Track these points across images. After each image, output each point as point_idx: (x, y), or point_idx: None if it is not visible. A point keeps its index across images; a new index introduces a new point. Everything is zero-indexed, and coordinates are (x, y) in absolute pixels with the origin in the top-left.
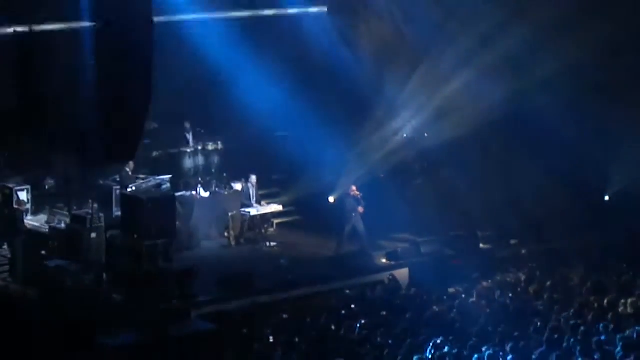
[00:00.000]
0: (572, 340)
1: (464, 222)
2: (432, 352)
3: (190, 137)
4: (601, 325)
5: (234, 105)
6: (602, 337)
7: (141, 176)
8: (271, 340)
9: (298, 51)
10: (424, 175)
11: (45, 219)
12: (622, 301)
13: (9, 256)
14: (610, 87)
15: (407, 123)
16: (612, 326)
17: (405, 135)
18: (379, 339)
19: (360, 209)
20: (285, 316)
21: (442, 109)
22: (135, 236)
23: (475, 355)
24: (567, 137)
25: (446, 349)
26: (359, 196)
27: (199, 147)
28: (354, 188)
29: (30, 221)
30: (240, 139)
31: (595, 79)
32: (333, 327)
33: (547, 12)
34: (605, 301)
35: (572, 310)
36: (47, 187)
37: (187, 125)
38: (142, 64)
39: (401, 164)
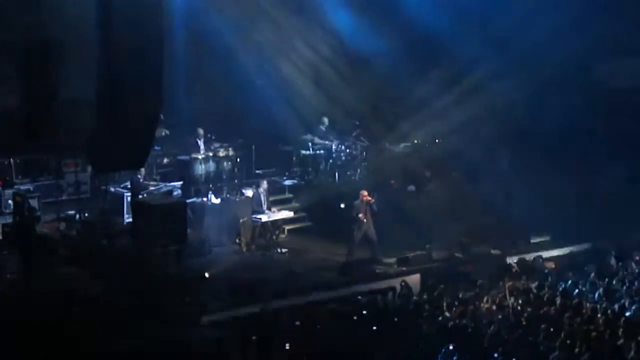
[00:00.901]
0: (584, 346)
1: (474, 227)
2: (445, 358)
3: (201, 143)
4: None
5: (246, 112)
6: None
7: (152, 183)
8: (286, 349)
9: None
10: (434, 180)
11: (56, 227)
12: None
13: (20, 263)
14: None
15: (418, 128)
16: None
17: (416, 141)
18: (390, 345)
19: (370, 214)
20: (297, 323)
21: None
22: (146, 243)
23: None
24: (579, 144)
25: (457, 355)
26: (371, 201)
27: (210, 154)
28: (365, 193)
29: (41, 228)
30: (251, 145)
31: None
32: (344, 334)
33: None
34: (617, 307)
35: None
36: (58, 194)
37: (200, 131)
38: (153, 69)
39: (412, 169)
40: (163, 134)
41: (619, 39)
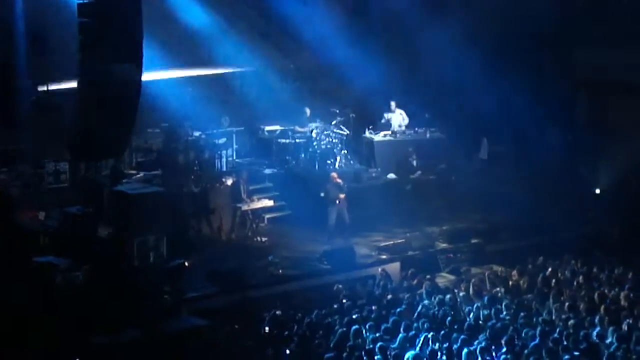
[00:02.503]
0: (565, 332)
1: (455, 216)
2: (424, 346)
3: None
4: (596, 317)
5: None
6: (596, 330)
7: (132, 172)
8: (265, 333)
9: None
10: (418, 169)
11: (36, 216)
12: (614, 294)
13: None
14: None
15: (400, 116)
16: (606, 318)
17: (396, 129)
18: (370, 334)
19: (342, 196)
20: (278, 312)
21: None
22: (126, 232)
23: (467, 349)
24: (559, 131)
25: (437, 343)
26: (341, 183)
27: (190, 143)
28: (334, 175)
29: (20, 218)
30: (232, 133)
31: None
32: (324, 322)
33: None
34: (596, 294)
35: (566, 304)
36: (37, 184)
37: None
38: (133, 57)
39: (400, 158)
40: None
41: None
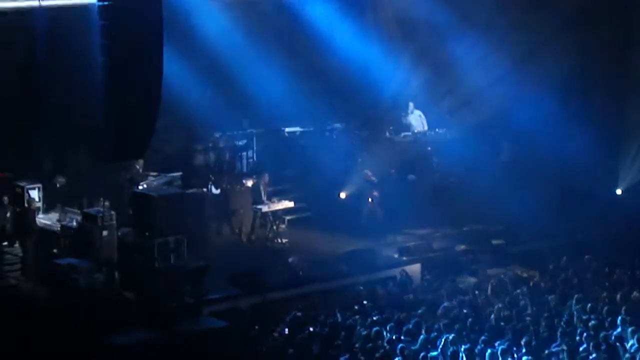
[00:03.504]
0: (585, 334)
1: (475, 217)
2: (445, 348)
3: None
4: (618, 318)
5: (246, 100)
6: (617, 331)
7: (152, 173)
8: (285, 334)
9: (308, 43)
10: (436, 170)
11: (57, 218)
12: (635, 295)
13: (21, 255)
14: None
15: (419, 117)
16: (628, 318)
17: (417, 131)
18: (391, 335)
19: (375, 194)
20: (298, 314)
21: (455, 104)
22: (147, 234)
23: (489, 350)
24: (577, 131)
25: (459, 344)
26: (375, 181)
27: (210, 144)
28: (369, 173)
29: (41, 219)
30: (252, 134)
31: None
32: (345, 324)
33: (555, 12)
34: (618, 296)
35: (587, 305)
36: (58, 185)
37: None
38: (153, 59)
39: (412, 159)
40: (163, 124)
41: None
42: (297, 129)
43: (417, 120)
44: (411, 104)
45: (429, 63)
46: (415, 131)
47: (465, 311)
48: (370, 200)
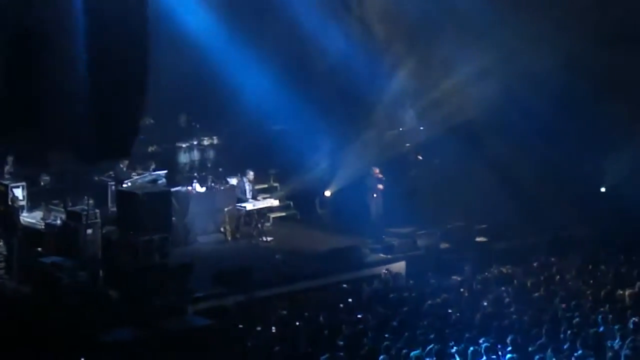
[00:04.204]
0: (569, 332)
1: (460, 214)
2: (429, 346)
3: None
4: (599, 317)
5: (229, 99)
6: (600, 329)
7: (137, 171)
8: (270, 332)
9: (293, 41)
10: (419, 167)
11: (41, 216)
12: (620, 292)
13: (5, 253)
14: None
15: (403, 115)
16: (610, 317)
17: (400, 128)
18: (375, 333)
19: (380, 187)
20: (284, 312)
21: (439, 100)
22: (131, 232)
23: (472, 348)
24: (562, 128)
25: (443, 343)
26: (382, 178)
27: (195, 142)
28: (376, 170)
29: (25, 218)
30: (236, 133)
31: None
32: (330, 322)
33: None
34: (602, 293)
35: (571, 303)
36: (42, 184)
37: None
38: (137, 59)
39: (397, 156)
40: (147, 122)
41: None
42: (282, 127)
43: (409, 117)
44: (406, 102)
45: (414, 60)
46: (405, 128)
47: (449, 309)
48: (375, 195)
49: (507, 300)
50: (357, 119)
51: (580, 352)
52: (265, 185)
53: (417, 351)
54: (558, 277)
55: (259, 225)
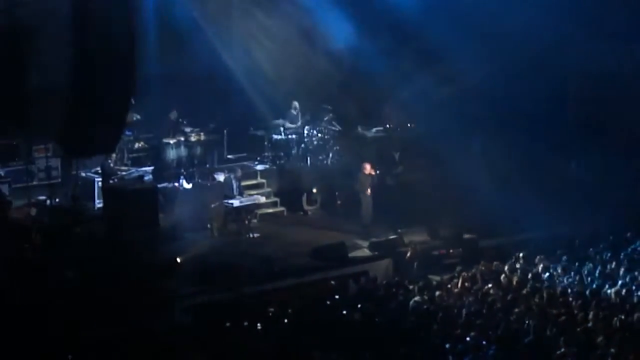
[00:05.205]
0: (556, 329)
1: (447, 212)
2: (416, 342)
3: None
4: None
5: (217, 96)
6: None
7: (123, 168)
8: (258, 329)
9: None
10: (405, 165)
11: (28, 212)
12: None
13: None
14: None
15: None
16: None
17: (388, 126)
18: (363, 330)
19: (370, 183)
20: (271, 309)
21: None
22: (118, 228)
23: (460, 345)
24: (549, 128)
25: (429, 340)
26: (374, 175)
27: (182, 139)
28: (367, 166)
29: (12, 214)
30: (223, 130)
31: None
32: (316, 318)
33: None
34: (588, 291)
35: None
36: (28, 179)
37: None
38: (124, 54)
39: (384, 153)
40: (134, 118)
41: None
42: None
43: (397, 113)
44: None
45: (405, 55)
46: (392, 125)
47: (435, 306)
48: (368, 192)
49: (493, 297)
50: (343, 116)
51: (564, 349)
52: (253, 182)
53: (405, 348)
54: (544, 274)
55: (246, 222)
